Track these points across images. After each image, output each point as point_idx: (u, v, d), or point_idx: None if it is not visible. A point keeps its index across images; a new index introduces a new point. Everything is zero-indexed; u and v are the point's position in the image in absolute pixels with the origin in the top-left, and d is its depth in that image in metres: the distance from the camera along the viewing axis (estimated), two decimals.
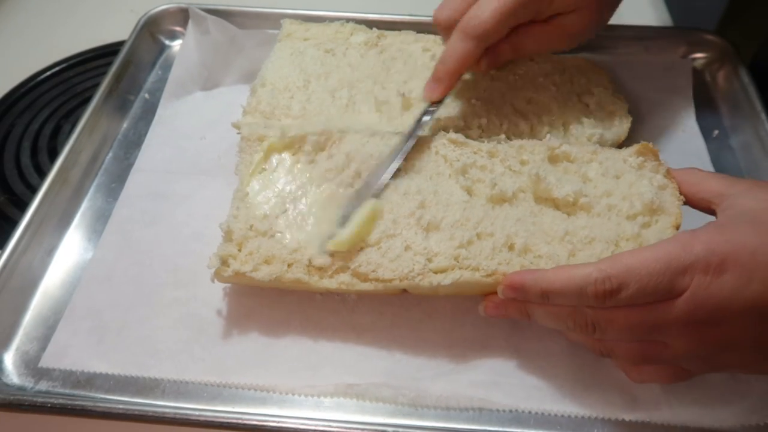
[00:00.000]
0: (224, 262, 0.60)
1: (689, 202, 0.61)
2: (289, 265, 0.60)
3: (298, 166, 0.67)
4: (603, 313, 0.52)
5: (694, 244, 0.49)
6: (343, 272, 0.60)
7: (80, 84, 0.94)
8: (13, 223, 0.68)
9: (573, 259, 0.60)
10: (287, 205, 0.64)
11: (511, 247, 0.60)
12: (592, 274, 0.50)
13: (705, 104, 0.85)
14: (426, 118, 0.69)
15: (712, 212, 0.57)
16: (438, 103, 0.71)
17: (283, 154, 0.67)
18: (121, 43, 0.88)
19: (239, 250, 0.61)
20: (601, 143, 0.73)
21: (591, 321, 0.53)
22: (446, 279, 0.58)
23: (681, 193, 0.61)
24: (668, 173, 0.64)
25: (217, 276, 0.61)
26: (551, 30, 0.71)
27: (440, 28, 0.73)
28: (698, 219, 0.59)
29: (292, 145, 0.68)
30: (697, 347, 0.50)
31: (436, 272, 0.59)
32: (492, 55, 0.71)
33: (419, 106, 0.74)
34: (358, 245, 0.60)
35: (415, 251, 0.60)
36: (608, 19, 0.77)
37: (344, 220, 0.62)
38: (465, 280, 0.58)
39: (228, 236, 0.61)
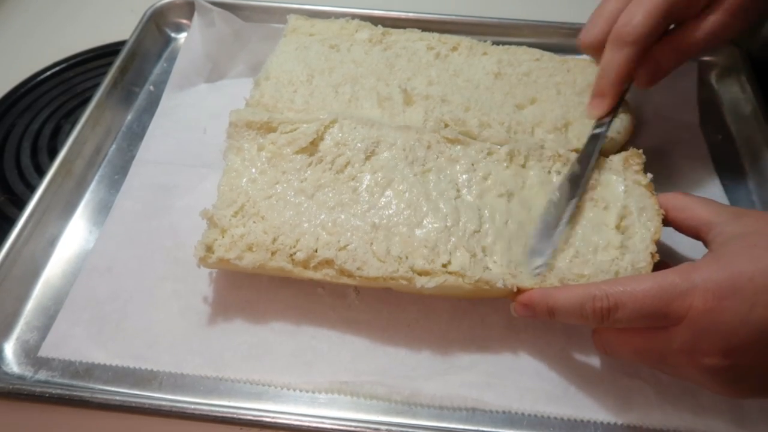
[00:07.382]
0: (209, 249, 0.61)
1: (677, 228, 0.61)
2: (272, 254, 0.60)
3: (285, 153, 0.66)
4: (610, 335, 0.55)
5: (691, 272, 0.50)
6: (328, 267, 0.60)
7: (80, 84, 0.93)
8: (13, 223, 0.68)
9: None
10: (272, 192, 0.64)
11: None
12: (591, 292, 0.52)
13: (710, 108, 0.85)
14: (598, 133, 0.68)
15: (700, 239, 0.57)
16: (605, 118, 0.69)
17: (270, 141, 0.67)
18: (121, 43, 0.88)
19: (222, 237, 0.61)
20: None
21: (603, 342, 0.56)
22: (431, 282, 0.58)
23: (668, 219, 0.61)
24: (650, 186, 0.64)
25: (203, 262, 0.61)
26: (717, 14, 0.64)
27: (589, 50, 0.69)
28: (676, 233, 0.59)
29: (281, 131, 0.67)
30: (713, 376, 0.50)
31: (420, 274, 0.59)
32: (653, 65, 0.67)
33: (421, 103, 0.74)
34: None
35: (401, 252, 0.60)
36: None
37: (536, 251, 0.60)
38: (449, 284, 0.59)
39: (212, 223, 0.62)
